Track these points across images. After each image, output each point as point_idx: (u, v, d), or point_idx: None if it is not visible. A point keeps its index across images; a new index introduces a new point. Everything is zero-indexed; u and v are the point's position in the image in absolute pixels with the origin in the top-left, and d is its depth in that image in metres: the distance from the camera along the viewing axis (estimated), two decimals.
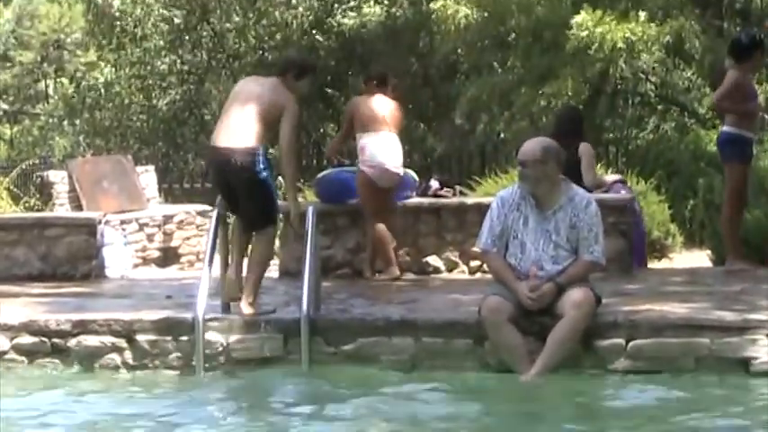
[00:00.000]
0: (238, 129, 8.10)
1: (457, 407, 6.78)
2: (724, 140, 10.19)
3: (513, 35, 17.39)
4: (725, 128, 10.20)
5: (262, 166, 8.05)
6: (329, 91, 22.05)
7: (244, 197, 8.11)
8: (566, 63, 15.75)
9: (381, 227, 10.14)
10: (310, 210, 8.25)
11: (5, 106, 33.91)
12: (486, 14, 16.82)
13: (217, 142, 8.18)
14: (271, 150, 8.70)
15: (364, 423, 6.42)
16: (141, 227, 12.44)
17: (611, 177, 11.50)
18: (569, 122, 10.88)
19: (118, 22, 22.60)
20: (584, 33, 14.95)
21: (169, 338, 7.82)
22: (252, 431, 6.31)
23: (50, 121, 29.52)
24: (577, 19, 15.09)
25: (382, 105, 10.28)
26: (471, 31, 17.06)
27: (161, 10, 22.29)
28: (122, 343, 7.84)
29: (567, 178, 7.77)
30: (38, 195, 14.66)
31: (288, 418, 6.58)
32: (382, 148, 10.16)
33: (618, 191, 10.88)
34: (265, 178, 8.08)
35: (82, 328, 7.89)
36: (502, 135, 20.74)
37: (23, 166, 21.50)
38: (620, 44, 15.02)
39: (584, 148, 10.58)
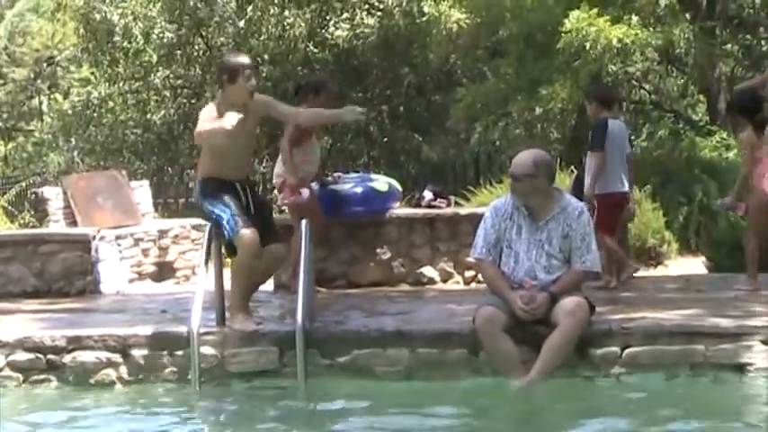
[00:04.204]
0: None
1: (452, 412, 6.79)
2: None
3: (506, 42, 17.42)
4: None
5: (197, 192, 8.25)
6: None
7: None
8: (559, 68, 15.75)
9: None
10: (303, 223, 8.26)
11: None
12: (478, 21, 16.87)
13: None
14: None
15: None
16: (136, 242, 12.39)
17: None
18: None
19: (117, 38, 22.47)
20: (580, 29, 14.93)
21: (164, 353, 7.80)
22: None
23: (45, 137, 29.53)
24: (572, 16, 15.08)
25: None
26: (464, 36, 17.10)
27: (163, 23, 22.17)
28: (117, 358, 7.82)
29: (561, 188, 7.79)
30: (33, 212, 14.64)
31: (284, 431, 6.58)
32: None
33: None
34: (202, 204, 8.15)
35: (77, 343, 7.86)
36: (497, 143, 20.77)
37: (24, 185, 21.53)
38: (614, 42, 15.03)
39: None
